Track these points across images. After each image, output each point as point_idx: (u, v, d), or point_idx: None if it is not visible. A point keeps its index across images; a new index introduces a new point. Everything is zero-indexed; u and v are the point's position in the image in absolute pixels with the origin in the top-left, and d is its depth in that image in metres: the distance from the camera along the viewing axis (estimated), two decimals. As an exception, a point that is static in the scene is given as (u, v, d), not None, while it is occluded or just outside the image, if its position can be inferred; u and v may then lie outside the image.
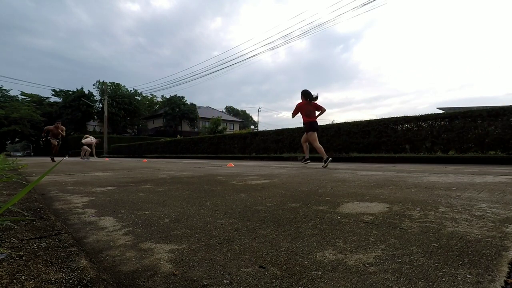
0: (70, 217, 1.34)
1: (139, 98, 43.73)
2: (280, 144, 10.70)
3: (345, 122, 8.78)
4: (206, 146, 14.65)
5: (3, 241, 0.80)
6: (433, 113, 7.04)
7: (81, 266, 0.64)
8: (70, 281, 0.57)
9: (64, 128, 10.30)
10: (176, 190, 2.18)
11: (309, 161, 5.78)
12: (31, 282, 0.56)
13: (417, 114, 7.25)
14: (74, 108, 37.02)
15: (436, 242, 0.87)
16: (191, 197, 1.82)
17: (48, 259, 0.68)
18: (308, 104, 5.42)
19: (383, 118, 7.88)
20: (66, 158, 16.96)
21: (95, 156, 14.44)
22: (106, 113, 25.81)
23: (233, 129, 44.74)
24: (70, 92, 39.42)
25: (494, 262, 0.72)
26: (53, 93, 41.57)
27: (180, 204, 1.59)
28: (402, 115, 7.57)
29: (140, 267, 0.75)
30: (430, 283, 0.62)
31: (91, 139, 14.43)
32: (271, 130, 11.63)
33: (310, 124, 5.43)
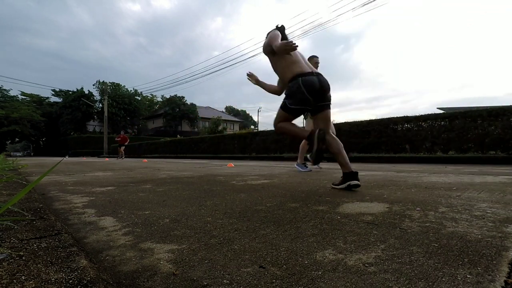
0: (70, 217, 1.34)
1: (139, 98, 43.71)
2: (280, 144, 10.71)
3: (345, 122, 8.78)
4: (206, 146, 14.65)
5: (3, 241, 0.80)
6: (433, 113, 7.04)
7: (81, 266, 0.64)
8: (70, 281, 0.57)
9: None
10: (176, 190, 2.18)
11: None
12: (31, 282, 0.56)
13: (417, 114, 7.26)
14: (74, 108, 37.02)
15: (436, 242, 0.87)
16: (191, 197, 1.82)
17: (48, 259, 0.68)
18: None
19: (383, 118, 7.89)
20: (66, 158, 16.96)
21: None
22: (106, 113, 25.82)
23: (233, 129, 44.74)
24: (70, 92, 39.41)
25: (494, 262, 0.72)
26: (53, 93, 41.63)
27: (180, 204, 1.59)
28: (402, 115, 7.58)
29: (140, 267, 0.75)
30: (430, 283, 0.62)
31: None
32: (271, 130, 11.63)
33: None
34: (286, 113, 2.18)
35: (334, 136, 2.28)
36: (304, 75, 2.09)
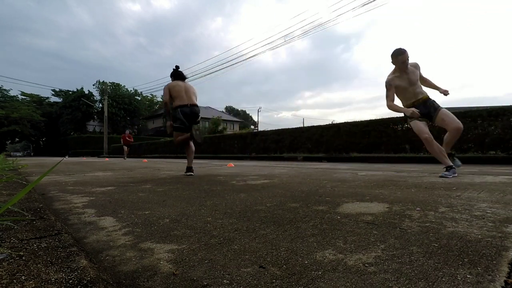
0: (70, 217, 1.34)
1: (139, 98, 43.70)
2: (280, 144, 10.70)
3: (345, 122, 8.77)
4: (206, 146, 14.65)
5: (3, 241, 0.80)
6: (433, 113, 7.02)
7: (81, 266, 0.64)
8: (70, 281, 0.57)
9: None
10: (176, 190, 2.18)
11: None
12: (31, 282, 0.56)
13: (417, 114, 7.25)
14: (74, 108, 37.01)
15: (436, 242, 0.87)
16: (191, 197, 1.82)
17: (48, 259, 0.68)
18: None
19: (383, 118, 7.88)
20: (66, 158, 16.96)
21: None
22: (106, 113, 25.82)
23: (233, 129, 44.71)
24: (70, 92, 39.43)
25: (494, 262, 0.72)
26: (53, 93, 41.64)
27: (180, 204, 1.59)
28: (402, 115, 7.56)
29: (140, 267, 0.75)
30: (430, 283, 0.62)
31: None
32: (271, 130, 11.64)
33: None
34: (175, 131, 3.65)
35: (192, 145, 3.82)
36: (182, 106, 3.52)
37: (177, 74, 3.83)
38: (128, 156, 15.85)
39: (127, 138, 14.03)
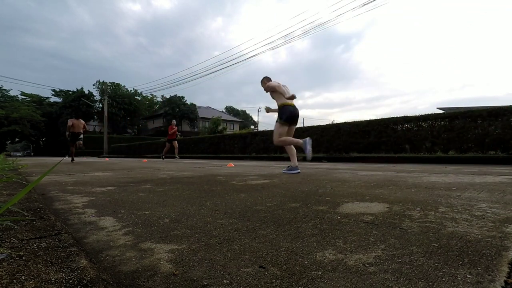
0: (70, 217, 1.34)
1: (139, 98, 43.75)
2: (280, 144, 10.68)
3: (345, 122, 8.77)
4: (206, 146, 14.65)
5: (3, 241, 0.80)
6: (433, 113, 7.04)
7: (81, 266, 0.64)
8: (70, 281, 0.57)
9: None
10: (176, 190, 2.18)
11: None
12: (31, 282, 0.56)
13: (417, 114, 7.26)
14: (74, 108, 37.04)
15: (436, 242, 0.87)
16: (191, 197, 1.82)
17: (48, 259, 0.68)
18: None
19: (383, 118, 7.88)
20: (66, 158, 16.93)
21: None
22: (106, 113, 25.81)
23: (233, 129, 44.73)
24: (70, 92, 39.47)
25: (494, 262, 0.72)
26: (53, 93, 41.70)
27: (180, 204, 1.59)
28: (402, 115, 7.57)
29: (140, 267, 0.75)
30: (430, 283, 0.62)
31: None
32: (271, 130, 11.63)
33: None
34: (70, 142, 8.95)
35: None
36: (73, 132, 8.76)
37: (76, 115, 8.92)
38: (128, 156, 14.70)
39: (174, 128, 10.87)
